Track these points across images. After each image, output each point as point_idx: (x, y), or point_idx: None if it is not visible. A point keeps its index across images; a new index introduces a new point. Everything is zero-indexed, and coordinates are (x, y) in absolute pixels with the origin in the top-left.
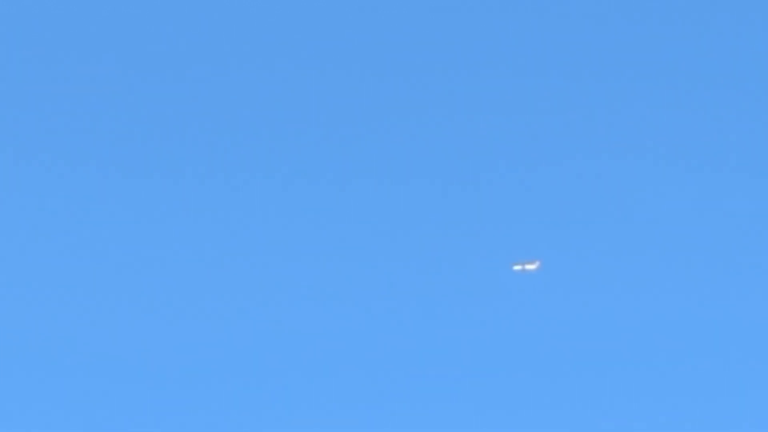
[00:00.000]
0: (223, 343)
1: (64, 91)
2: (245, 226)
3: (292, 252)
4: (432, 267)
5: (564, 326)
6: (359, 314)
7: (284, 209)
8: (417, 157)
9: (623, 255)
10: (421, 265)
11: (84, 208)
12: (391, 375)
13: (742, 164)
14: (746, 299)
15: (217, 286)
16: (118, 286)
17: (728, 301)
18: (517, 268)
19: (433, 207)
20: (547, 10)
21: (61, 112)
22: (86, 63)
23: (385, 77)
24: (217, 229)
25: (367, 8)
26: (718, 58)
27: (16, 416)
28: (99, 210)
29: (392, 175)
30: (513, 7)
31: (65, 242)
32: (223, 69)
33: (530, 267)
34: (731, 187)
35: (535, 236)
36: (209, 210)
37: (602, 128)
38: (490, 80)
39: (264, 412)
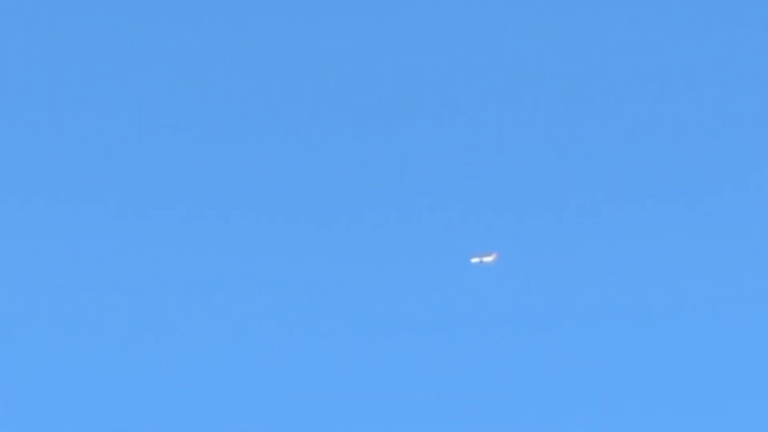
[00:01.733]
0: (208, 347)
1: (63, 91)
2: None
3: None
4: (391, 260)
5: (522, 317)
6: (318, 306)
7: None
8: (377, 151)
9: (581, 246)
10: (380, 258)
11: (83, 208)
12: (350, 368)
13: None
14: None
15: (207, 290)
16: (117, 286)
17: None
18: (474, 260)
19: (393, 201)
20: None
21: (61, 112)
22: (86, 63)
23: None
24: (212, 229)
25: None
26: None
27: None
28: (98, 210)
29: (350, 169)
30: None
31: (65, 242)
32: (222, 69)
33: (487, 260)
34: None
35: (492, 229)
36: (207, 210)
37: (558, 121)
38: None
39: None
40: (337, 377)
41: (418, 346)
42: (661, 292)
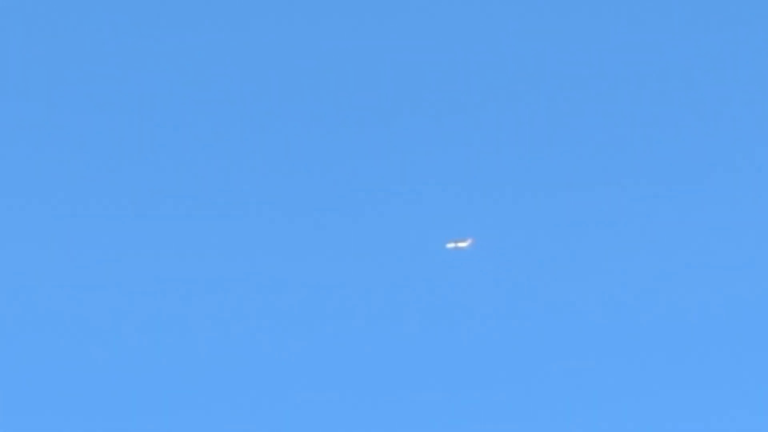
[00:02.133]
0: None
1: (62, 90)
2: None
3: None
4: (364, 246)
5: (498, 304)
6: (289, 295)
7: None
8: (351, 136)
9: (558, 233)
10: (353, 243)
11: (82, 208)
12: (324, 357)
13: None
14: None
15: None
16: (116, 286)
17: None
18: (450, 246)
19: (367, 186)
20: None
21: (60, 112)
22: (86, 62)
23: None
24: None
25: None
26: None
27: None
28: (97, 209)
29: (323, 153)
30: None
31: (64, 242)
32: (221, 68)
33: (463, 245)
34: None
35: (468, 214)
36: (205, 209)
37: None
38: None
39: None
40: (311, 367)
41: (392, 332)
42: (642, 277)
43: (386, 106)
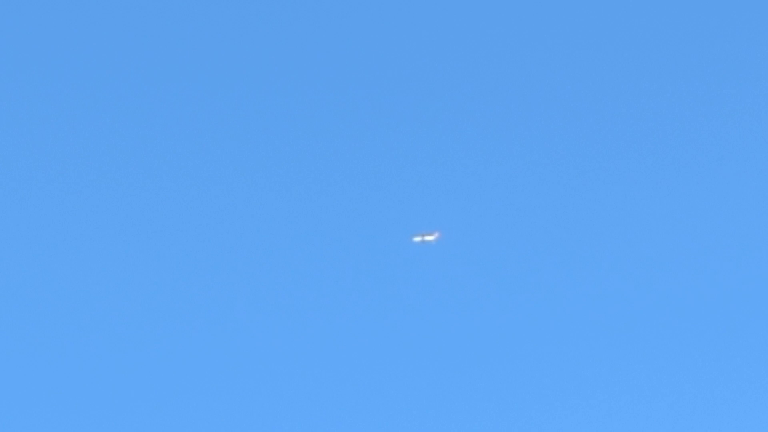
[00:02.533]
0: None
1: (62, 90)
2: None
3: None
4: (331, 238)
5: (464, 297)
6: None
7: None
8: (314, 127)
9: (524, 226)
10: (319, 235)
11: (81, 207)
12: (288, 347)
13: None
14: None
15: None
16: (116, 285)
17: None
18: (416, 239)
19: (330, 178)
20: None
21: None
22: (86, 62)
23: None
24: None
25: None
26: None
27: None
28: (97, 209)
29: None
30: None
31: (64, 242)
32: (219, 68)
33: (429, 238)
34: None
35: (435, 207)
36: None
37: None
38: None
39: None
40: (274, 358)
41: (358, 323)
42: (610, 267)
43: (352, 96)
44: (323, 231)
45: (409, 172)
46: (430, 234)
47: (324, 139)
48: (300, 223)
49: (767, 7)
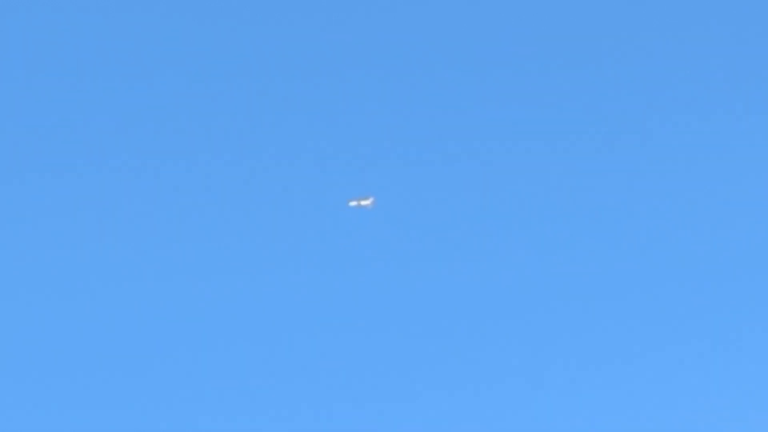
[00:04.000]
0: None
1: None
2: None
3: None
4: (267, 201)
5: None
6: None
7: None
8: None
9: (459, 192)
10: (253, 199)
11: (81, 207)
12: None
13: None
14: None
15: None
16: (115, 285)
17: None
18: (352, 204)
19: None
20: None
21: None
22: (85, 62)
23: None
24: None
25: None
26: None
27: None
28: (97, 209)
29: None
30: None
31: (63, 242)
32: (218, 68)
33: (365, 203)
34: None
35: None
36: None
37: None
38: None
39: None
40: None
41: (293, 288)
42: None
43: (291, 63)
44: (260, 193)
45: (347, 138)
46: (365, 199)
47: (268, 100)
48: (241, 186)
49: (767, 7)
